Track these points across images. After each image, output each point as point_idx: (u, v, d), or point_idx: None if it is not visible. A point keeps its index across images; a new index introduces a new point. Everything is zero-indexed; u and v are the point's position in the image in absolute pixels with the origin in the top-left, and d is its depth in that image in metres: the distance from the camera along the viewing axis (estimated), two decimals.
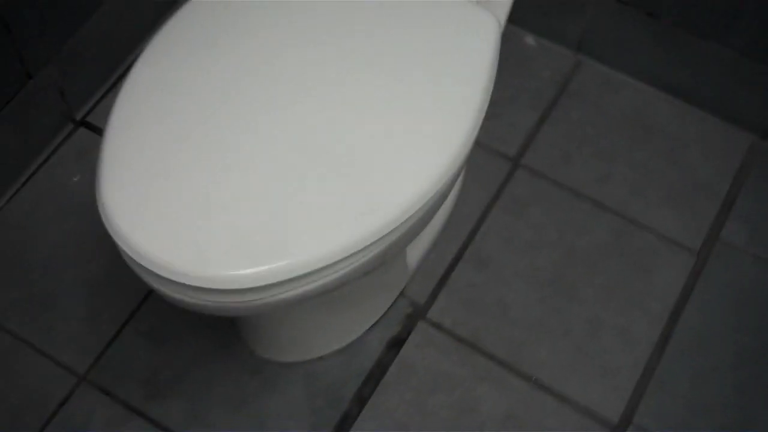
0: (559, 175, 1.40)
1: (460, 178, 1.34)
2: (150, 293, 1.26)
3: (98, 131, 1.40)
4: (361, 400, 1.21)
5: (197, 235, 0.85)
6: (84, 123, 1.41)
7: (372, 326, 1.26)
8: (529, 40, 1.51)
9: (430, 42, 0.99)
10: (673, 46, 1.39)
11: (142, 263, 0.84)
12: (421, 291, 1.30)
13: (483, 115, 0.97)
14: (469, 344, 1.26)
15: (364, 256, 0.88)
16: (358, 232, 0.86)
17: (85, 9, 1.31)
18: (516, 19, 1.43)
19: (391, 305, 1.28)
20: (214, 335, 1.25)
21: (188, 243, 0.84)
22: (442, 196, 0.94)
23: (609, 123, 1.44)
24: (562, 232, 1.35)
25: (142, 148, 0.91)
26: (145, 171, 0.89)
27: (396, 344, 1.26)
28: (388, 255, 0.93)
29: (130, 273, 0.89)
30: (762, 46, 1.31)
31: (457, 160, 0.93)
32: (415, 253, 1.28)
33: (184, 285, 0.84)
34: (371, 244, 0.87)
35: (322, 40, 0.99)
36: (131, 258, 0.85)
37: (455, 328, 1.27)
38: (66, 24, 1.29)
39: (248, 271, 0.83)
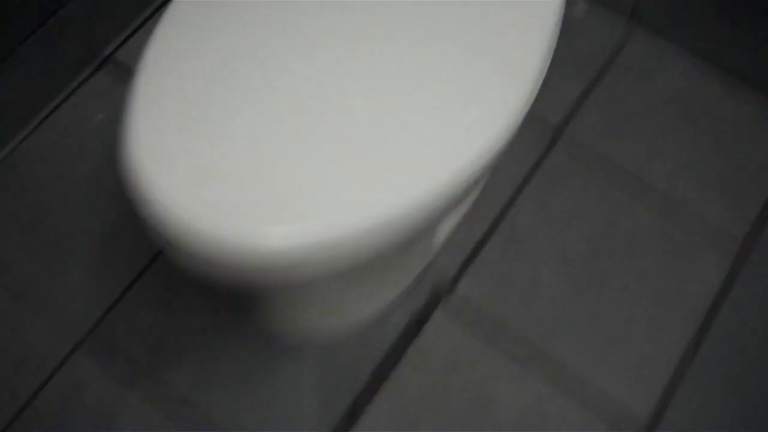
0: (602, 149, 1.33)
1: None
2: (161, 251, 1.22)
3: (126, 68, 1.34)
4: (379, 377, 1.17)
5: (225, 191, 0.79)
6: (111, 59, 1.35)
7: (396, 300, 1.22)
8: (582, 3, 1.43)
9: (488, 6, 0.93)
10: (732, 25, 1.31)
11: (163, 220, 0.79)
12: (449, 265, 1.25)
13: (543, 76, 0.90)
14: (495, 324, 1.21)
15: (407, 224, 0.82)
16: (409, 195, 0.80)
17: None
18: None
19: (418, 278, 1.23)
20: (225, 307, 1.20)
21: (222, 205, 0.78)
22: (493, 163, 0.88)
23: (658, 98, 1.37)
24: (601, 212, 1.29)
25: (175, 92, 0.84)
26: (177, 125, 0.83)
27: (420, 320, 1.21)
28: (433, 221, 0.87)
29: (143, 223, 0.84)
30: None
31: (514, 123, 0.86)
32: (444, 225, 1.22)
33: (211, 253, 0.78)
34: (418, 210, 0.81)
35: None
36: (154, 223, 0.80)
37: (482, 306, 1.22)
38: None
39: (282, 229, 0.77)
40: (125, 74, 1.34)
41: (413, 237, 0.89)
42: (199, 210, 0.78)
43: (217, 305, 1.19)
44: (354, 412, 1.14)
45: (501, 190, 1.29)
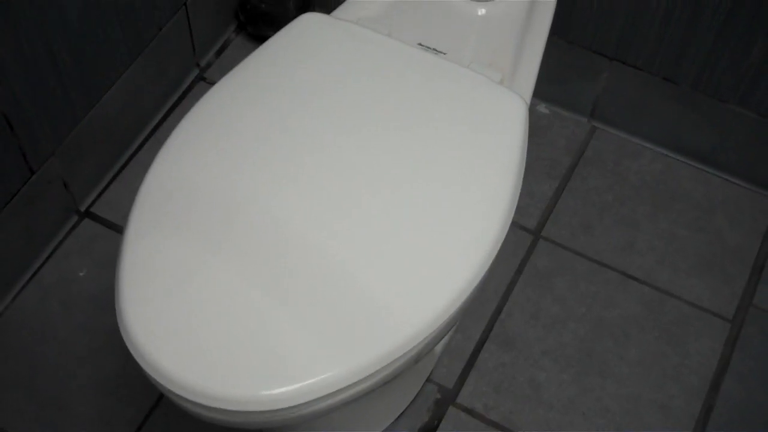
0: (581, 246, 1.35)
1: None
2: (163, 396, 1.21)
3: (103, 222, 1.35)
4: None
5: (224, 354, 0.80)
6: (88, 214, 1.36)
7: (400, 416, 1.21)
8: (542, 108, 1.47)
9: (459, 132, 0.96)
10: (692, 110, 1.36)
11: (171, 388, 0.79)
12: (448, 375, 1.24)
13: (515, 202, 0.93)
14: (502, 429, 1.20)
15: (401, 360, 0.83)
16: (394, 340, 0.82)
17: (86, 101, 1.27)
18: None
19: (419, 392, 1.23)
20: None
21: (216, 364, 0.80)
22: (479, 289, 0.90)
23: (629, 190, 1.40)
24: (590, 306, 1.30)
25: (163, 258, 0.86)
26: (167, 285, 0.84)
27: None
28: (425, 351, 0.88)
29: (141, 370, 0.83)
30: None
31: (493, 252, 0.89)
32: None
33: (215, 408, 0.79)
34: (408, 350, 0.83)
35: (346, 136, 0.95)
36: (157, 380, 0.81)
37: (487, 413, 1.21)
38: (67, 117, 1.25)
39: (282, 390, 0.78)
40: (103, 228, 1.35)
41: (411, 366, 0.89)
42: (200, 374, 0.79)
43: None
44: None
45: (489, 297, 1.30)
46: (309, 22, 1.04)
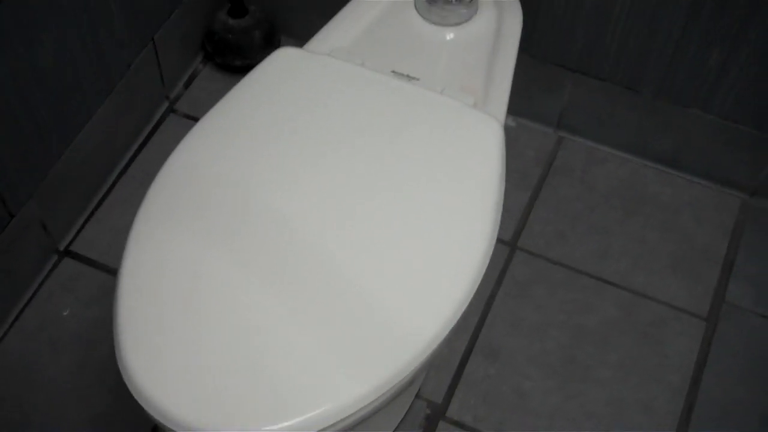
0: (557, 254, 1.39)
1: None
2: (156, 427, 1.21)
3: (83, 260, 1.36)
4: None
5: (226, 392, 0.82)
6: (68, 253, 1.37)
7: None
8: (509, 121, 1.51)
9: (439, 158, 0.99)
10: (655, 116, 1.40)
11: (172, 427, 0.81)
12: (437, 389, 1.27)
13: (497, 226, 0.96)
14: None
15: (396, 385, 0.86)
16: (391, 368, 0.84)
17: (61, 142, 1.28)
18: None
19: (408, 408, 1.25)
20: None
21: (217, 402, 0.81)
22: (469, 307, 0.93)
23: (598, 197, 1.44)
24: (569, 312, 1.33)
25: (159, 300, 0.87)
26: (164, 325, 0.86)
27: None
28: (420, 371, 0.91)
29: (135, 404, 0.85)
30: (741, 109, 1.33)
31: (479, 275, 0.92)
32: None
33: None
34: (405, 375, 0.85)
35: (329, 169, 0.97)
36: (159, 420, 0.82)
37: (477, 425, 1.24)
38: (43, 160, 1.25)
39: (283, 424, 0.80)
40: (84, 266, 1.35)
41: (406, 387, 0.92)
42: (202, 412, 0.81)
43: None
44: None
45: (472, 310, 1.32)
46: (284, 57, 1.06)
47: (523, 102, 1.47)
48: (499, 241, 1.39)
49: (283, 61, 1.06)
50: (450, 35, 1.15)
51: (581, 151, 1.49)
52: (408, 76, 1.10)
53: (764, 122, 1.33)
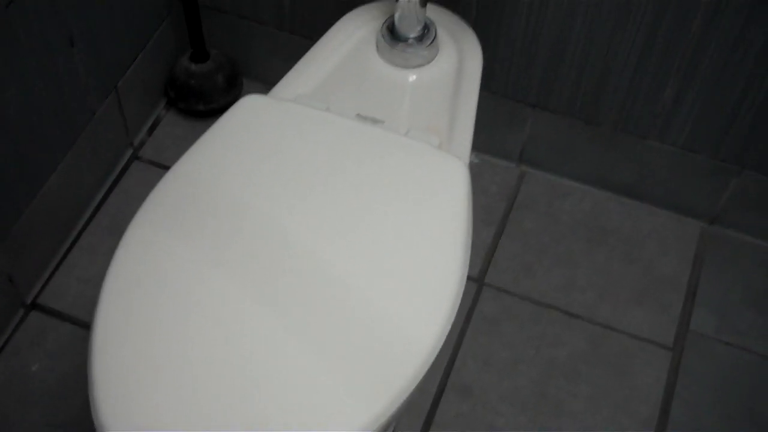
0: (524, 289, 1.40)
1: None
2: None
3: (50, 312, 1.35)
4: None
5: None
6: (35, 306, 1.35)
7: None
8: (472, 158, 1.52)
9: (406, 202, 1.00)
10: (614, 148, 1.42)
11: None
12: (410, 429, 1.27)
13: (467, 267, 0.97)
14: None
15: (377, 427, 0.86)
16: (366, 415, 0.85)
17: (27, 194, 1.27)
18: None
19: None
20: None
21: None
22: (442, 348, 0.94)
23: (563, 229, 1.46)
24: (538, 347, 1.35)
25: (135, 353, 0.87)
26: (144, 374, 0.85)
27: None
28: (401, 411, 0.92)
29: None
30: (697, 139, 1.36)
31: (451, 317, 0.93)
32: None
33: None
34: (383, 421, 0.86)
35: (294, 213, 0.97)
36: None
37: None
38: (10, 212, 1.25)
39: None
40: (52, 318, 1.34)
41: None
42: None
43: None
44: None
45: (442, 348, 1.33)
46: (250, 105, 1.07)
47: (485, 137, 1.49)
48: (467, 277, 1.40)
49: (248, 109, 1.07)
50: (412, 77, 1.16)
51: (544, 185, 1.51)
52: (373, 118, 1.11)
53: (720, 151, 1.36)
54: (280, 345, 0.88)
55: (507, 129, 1.48)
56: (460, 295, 0.95)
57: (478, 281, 1.41)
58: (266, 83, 1.54)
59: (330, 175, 1.01)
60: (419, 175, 1.03)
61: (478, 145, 1.52)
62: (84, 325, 1.34)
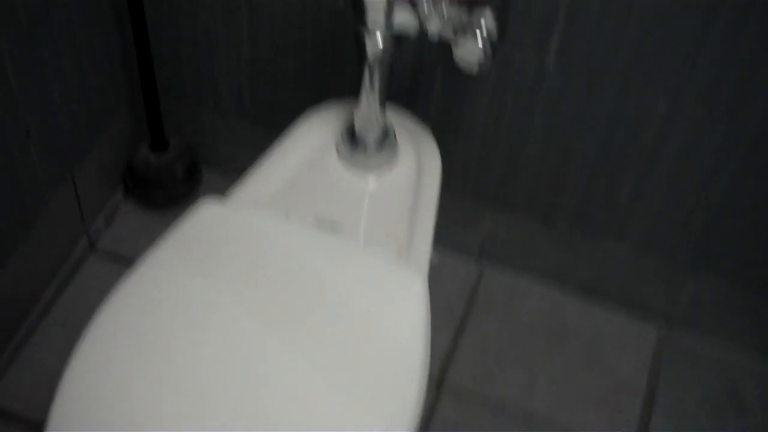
0: (484, 391, 1.38)
1: None
2: None
3: (3, 413, 1.30)
4: None
5: None
6: None
7: None
8: (432, 258, 1.52)
9: (361, 319, 0.99)
10: (571, 248, 1.43)
11: None
12: None
13: (425, 381, 0.96)
14: None
15: None
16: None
17: None
18: None
19: None
20: None
21: None
22: None
23: (522, 329, 1.45)
24: None
25: None
26: None
27: None
28: None
29: None
30: (654, 241, 1.37)
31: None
32: None
33: None
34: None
35: (250, 332, 0.96)
36: None
37: None
38: None
39: None
40: (4, 419, 1.30)
41: None
42: None
43: None
44: None
45: None
46: (205, 214, 1.05)
47: (444, 236, 1.49)
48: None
49: (203, 219, 1.05)
50: (372, 179, 1.16)
51: (503, 284, 1.50)
52: (332, 221, 1.10)
53: (676, 253, 1.37)
54: None
55: (466, 227, 1.48)
56: (419, 412, 0.93)
57: (437, 383, 1.39)
58: (226, 170, 1.53)
59: (283, 290, 1.00)
60: (377, 290, 1.02)
61: (437, 243, 1.51)
62: (35, 427, 1.29)
